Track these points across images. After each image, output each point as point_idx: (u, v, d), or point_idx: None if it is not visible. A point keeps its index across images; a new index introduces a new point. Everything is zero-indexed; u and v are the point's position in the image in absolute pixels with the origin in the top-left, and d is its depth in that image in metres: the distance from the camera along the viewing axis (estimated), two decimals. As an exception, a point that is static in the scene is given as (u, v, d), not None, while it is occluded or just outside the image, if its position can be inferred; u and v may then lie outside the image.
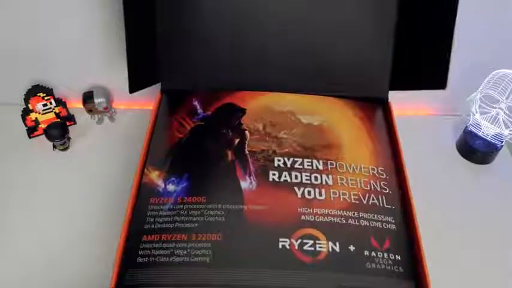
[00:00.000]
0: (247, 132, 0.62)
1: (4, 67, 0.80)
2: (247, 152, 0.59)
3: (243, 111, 0.64)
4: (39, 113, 0.78)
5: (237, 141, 0.61)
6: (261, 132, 0.62)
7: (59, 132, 0.74)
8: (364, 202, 0.55)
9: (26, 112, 0.77)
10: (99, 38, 0.75)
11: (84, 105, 0.80)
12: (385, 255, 0.51)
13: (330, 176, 0.57)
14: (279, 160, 0.59)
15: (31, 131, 0.78)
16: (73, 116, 0.81)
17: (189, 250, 0.50)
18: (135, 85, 0.66)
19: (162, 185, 0.56)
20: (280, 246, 0.50)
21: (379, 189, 0.57)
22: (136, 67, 0.64)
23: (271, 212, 0.53)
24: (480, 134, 0.73)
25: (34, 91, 0.77)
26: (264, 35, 0.66)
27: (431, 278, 0.49)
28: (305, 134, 0.62)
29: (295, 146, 0.61)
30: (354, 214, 0.54)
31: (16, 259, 0.62)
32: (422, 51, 0.66)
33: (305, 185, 0.56)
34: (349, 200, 0.55)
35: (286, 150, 0.60)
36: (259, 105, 0.65)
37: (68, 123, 0.79)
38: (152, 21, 0.64)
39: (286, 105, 0.66)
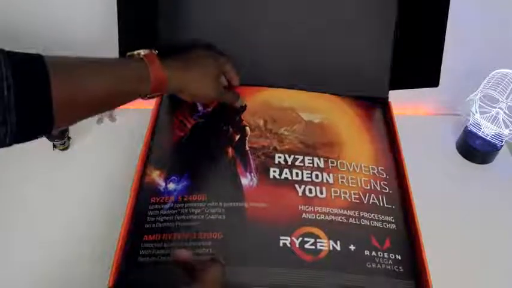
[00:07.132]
0: (247, 128, 0.61)
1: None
2: (247, 149, 0.59)
3: (243, 107, 0.64)
4: (39, 113, 0.77)
5: (237, 137, 0.61)
6: (262, 129, 0.62)
7: (58, 132, 0.74)
8: (365, 201, 0.55)
9: (26, 112, 0.77)
10: (99, 38, 0.75)
11: (84, 105, 0.80)
12: (386, 254, 0.51)
13: (331, 175, 0.57)
14: (279, 157, 0.58)
15: (31, 130, 0.78)
16: (73, 115, 0.81)
17: (190, 249, 0.50)
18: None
19: (163, 184, 0.56)
20: (281, 245, 0.50)
21: (379, 189, 0.57)
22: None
23: (272, 210, 0.53)
24: (480, 133, 0.73)
25: (34, 91, 0.76)
26: (263, 35, 0.66)
27: (432, 278, 0.49)
28: (306, 131, 0.62)
29: (296, 142, 0.60)
30: (354, 213, 0.54)
31: (16, 259, 0.62)
32: (414, 51, 0.66)
33: (306, 183, 0.56)
34: (349, 199, 0.55)
35: (287, 147, 0.60)
36: (260, 101, 0.65)
37: (68, 123, 0.79)
38: (152, 18, 0.64)
39: (287, 101, 0.65)
